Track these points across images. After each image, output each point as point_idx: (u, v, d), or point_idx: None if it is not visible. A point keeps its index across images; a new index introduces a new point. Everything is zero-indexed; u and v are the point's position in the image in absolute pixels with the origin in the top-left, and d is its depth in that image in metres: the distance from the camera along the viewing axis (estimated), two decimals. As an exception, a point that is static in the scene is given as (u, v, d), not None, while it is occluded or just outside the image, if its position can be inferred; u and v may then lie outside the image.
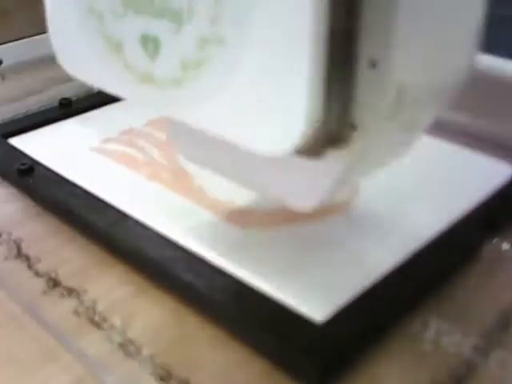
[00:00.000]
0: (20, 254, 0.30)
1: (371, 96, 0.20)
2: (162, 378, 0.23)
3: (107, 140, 0.38)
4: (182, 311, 0.26)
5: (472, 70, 0.23)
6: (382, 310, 0.24)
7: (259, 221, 0.30)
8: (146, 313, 0.26)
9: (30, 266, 0.29)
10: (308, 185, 0.24)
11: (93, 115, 0.42)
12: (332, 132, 0.20)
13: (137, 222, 0.30)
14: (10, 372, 0.24)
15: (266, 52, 0.19)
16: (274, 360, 0.23)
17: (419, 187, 0.33)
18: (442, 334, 0.24)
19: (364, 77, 0.20)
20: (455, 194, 0.32)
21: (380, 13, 0.19)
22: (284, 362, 0.23)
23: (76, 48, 0.25)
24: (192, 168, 0.35)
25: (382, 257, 0.27)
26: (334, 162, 0.22)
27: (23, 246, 0.30)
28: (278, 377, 0.23)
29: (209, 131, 0.22)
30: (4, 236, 0.31)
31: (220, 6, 0.19)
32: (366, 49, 0.20)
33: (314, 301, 0.25)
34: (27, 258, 0.29)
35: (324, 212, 0.31)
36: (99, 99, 0.43)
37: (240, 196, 0.32)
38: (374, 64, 0.20)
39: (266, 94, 0.19)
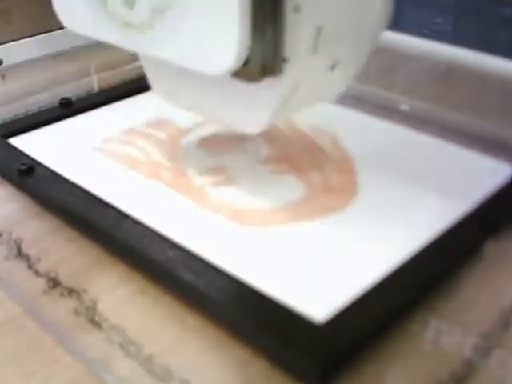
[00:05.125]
0: (20, 254, 0.30)
1: (297, 34, 0.26)
2: (161, 378, 0.23)
3: (107, 140, 0.38)
4: (181, 311, 0.26)
5: (389, 16, 0.29)
6: (382, 310, 0.24)
7: (259, 220, 0.30)
8: (146, 313, 0.26)
9: (30, 266, 0.29)
10: (250, 111, 0.30)
11: (93, 115, 0.42)
12: (267, 63, 0.27)
13: (137, 222, 0.30)
14: (10, 372, 0.24)
15: None
16: (274, 360, 0.23)
17: (419, 187, 0.33)
18: (442, 334, 0.24)
19: (290, 19, 0.26)
20: (455, 193, 0.32)
21: None
22: (284, 362, 0.23)
23: (74, 6, 0.32)
24: (192, 168, 0.35)
25: (382, 257, 0.27)
26: (271, 89, 0.28)
27: (23, 245, 0.30)
28: (278, 377, 0.23)
29: (171, 62, 0.29)
30: (4, 236, 0.31)
31: None
32: None
33: (314, 301, 0.25)
34: (27, 258, 0.29)
35: (324, 212, 0.31)
36: (99, 99, 0.43)
37: (240, 196, 0.32)
38: (297, 9, 0.25)
39: (209, 27, 0.26)
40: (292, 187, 0.33)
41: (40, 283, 0.28)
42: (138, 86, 0.44)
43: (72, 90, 0.45)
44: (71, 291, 0.27)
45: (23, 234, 0.31)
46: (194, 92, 0.33)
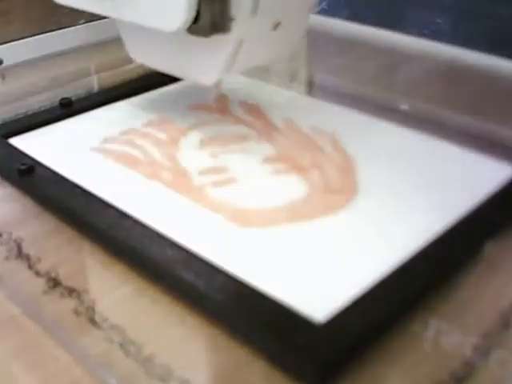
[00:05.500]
0: (20, 254, 0.30)
1: None
2: (161, 378, 0.23)
3: (107, 140, 0.38)
4: (181, 311, 0.26)
5: None
6: (382, 310, 0.24)
7: (259, 220, 0.30)
8: (146, 313, 0.26)
9: (30, 266, 0.29)
10: (204, 64, 0.36)
11: (93, 115, 0.42)
12: (217, 21, 0.32)
13: (137, 222, 0.30)
14: (10, 372, 0.24)
15: None
16: (274, 360, 0.23)
17: (419, 187, 0.33)
18: (441, 334, 0.24)
19: None
20: (455, 194, 0.32)
21: None
22: (284, 362, 0.23)
23: None
24: (192, 168, 0.35)
25: (381, 257, 0.27)
26: (221, 44, 0.34)
27: (23, 245, 0.30)
28: (278, 377, 0.23)
29: (134, 22, 0.35)
30: (4, 236, 0.31)
31: None
32: None
33: (314, 301, 0.25)
34: (27, 258, 0.29)
35: (324, 212, 0.31)
36: (99, 99, 0.43)
37: (240, 196, 0.32)
38: None
39: None
40: (292, 187, 0.33)
41: (40, 283, 0.28)
42: (137, 86, 0.45)
43: (72, 90, 0.45)
44: (71, 291, 0.27)
45: (23, 234, 0.31)
46: (160, 50, 0.38)
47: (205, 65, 0.36)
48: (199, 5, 0.32)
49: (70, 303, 0.26)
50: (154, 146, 0.37)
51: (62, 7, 0.39)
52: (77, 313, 0.26)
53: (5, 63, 0.50)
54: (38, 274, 0.28)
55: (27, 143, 0.38)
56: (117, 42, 0.42)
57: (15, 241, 0.30)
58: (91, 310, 0.26)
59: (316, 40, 0.52)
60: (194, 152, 0.37)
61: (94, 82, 0.47)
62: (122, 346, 0.24)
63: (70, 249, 0.30)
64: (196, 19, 0.32)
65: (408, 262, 0.27)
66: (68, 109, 0.42)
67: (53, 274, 0.28)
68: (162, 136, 0.38)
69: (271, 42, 0.37)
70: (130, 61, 0.42)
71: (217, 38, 0.33)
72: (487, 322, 0.25)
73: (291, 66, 0.49)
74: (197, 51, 0.36)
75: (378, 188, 0.33)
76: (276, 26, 0.36)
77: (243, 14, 0.33)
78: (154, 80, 0.45)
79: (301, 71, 0.50)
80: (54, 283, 0.28)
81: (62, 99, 0.42)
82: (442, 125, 0.37)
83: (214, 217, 0.31)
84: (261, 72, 0.46)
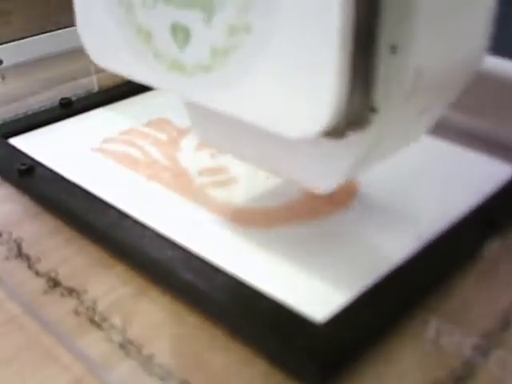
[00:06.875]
0: (20, 254, 0.30)
1: (391, 80, 0.21)
2: (161, 378, 0.23)
3: (107, 140, 0.38)
4: (181, 311, 0.26)
5: (483, 59, 0.24)
6: (382, 310, 0.24)
7: (259, 220, 0.30)
8: (145, 313, 0.26)
9: (30, 266, 0.29)
10: (326, 167, 0.25)
11: (93, 115, 0.42)
12: (353, 115, 0.21)
13: (137, 222, 0.30)
14: (10, 372, 0.24)
15: (292, 40, 0.20)
16: (274, 360, 0.23)
17: (419, 187, 0.33)
18: (442, 334, 0.24)
19: (384, 62, 0.21)
20: (455, 193, 0.32)
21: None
22: (284, 362, 0.23)
23: (105, 39, 0.26)
24: (192, 168, 0.35)
25: (381, 257, 0.27)
26: (354, 144, 0.23)
27: (23, 245, 0.30)
28: (278, 377, 0.23)
29: (236, 116, 0.23)
30: (4, 236, 0.31)
31: None
32: (387, 35, 0.20)
33: (314, 301, 0.25)
34: (27, 258, 0.29)
35: (324, 212, 0.31)
36: (99, 99, 0.43)
37: (240, 196, 0.32)
38: (394, 49, 0.20)
39: (293, 81, 0.20)
40: (292, 187, 0.33)
41: (40, 283, 0.28)
42: (138, 85, 0.44)
43: (72, 89, 0.45)
44: (71, 291, 0.27)
45: (23, 234, 0.31)
46: (253, 142, 0.27)
47: (322, 168, 0.25)
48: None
49: (70, 303, 0.26)
50: (153, 146, 0.37)
51: (61, 7, 0.39)
52: (77, 313, 0.26)
53: (5, 63, 0.50)
54: (37, 274, 0.28)
55: (27, 143, 0.38)
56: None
57: (15, 241, 0.30)
58: (91, 310, 0.26)
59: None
60: (193, 152, 0.37)
61: (94, 82, 0.47)
62: (121, 345, 0.24)
63: (70, 249, 0.30)
64: None
65: (408, 261, 0.27)
66: (68, 109, 0.42)
67: (53, 274, 0.28)
68: (162, 136, 0.38)
69: (410, 130, 0.26)
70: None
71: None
72: (487, 322, 0.25)
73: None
74: (311, 148, 0.25)
75: (377, 188, 0.33)
76: (424, 110, 0.24)
77: (392, 102, 0.21)
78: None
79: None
80: (54, 283, 0.28)
81: (62, 99, 0.42)
82: (442, 125, 0.37)
83: (213, 217, 0.31)
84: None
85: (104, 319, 0.26)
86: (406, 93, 0.21)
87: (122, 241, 0.29)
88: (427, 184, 0.33)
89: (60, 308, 0.26)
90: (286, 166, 0.26)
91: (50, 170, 0.34)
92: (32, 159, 0.35)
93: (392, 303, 0.25)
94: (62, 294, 0.27)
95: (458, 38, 0.23)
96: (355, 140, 0.22)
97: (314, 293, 0.26)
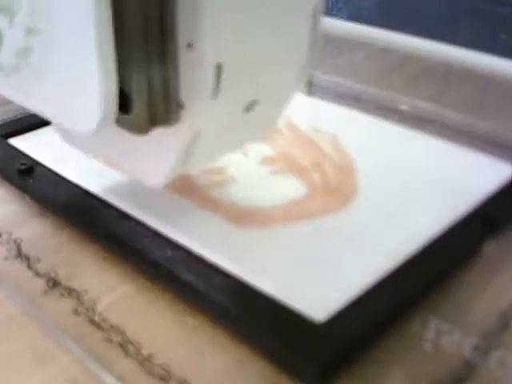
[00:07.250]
0: (20, 254, 0.30)
1: (194, 77, 0.22)
2: (161, 378, 0.23)
3: (107, 140, 0.38)
4: (181, 311, 0.26)
5: (306, 52, 0.26)
6: (382, 310, 0.24)
7: (259, 220, 0.30)
8: (145, 313, 0.26)
9: (30, 266, 0.29)
10: (151, 161, 0.27)
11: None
12: (157, 111, 0.23)
13: (137, 222, 0.30)
14: (9, 372, 0.24)
15: (71, 40, 0.22)
16: (274, 360, 0.23)
17: (419, 187, 0.33)
18: (442, 334, 0.24)
19: (184, 59, 0.22)
20: (455, 193, 0.32)
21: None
22: (284, 362, 0.23)
23: None
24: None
25: (381, 256, 0.27)
26: (173, 139, 0.25)
27: (23, 246, 0.30)
28: (278, 377, 0.23)
29: (41, 114, 0.25)
30: (4, 236, 0.31)
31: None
32: (183, 32, 0.22)
33: (314, 300, 0.25)
34: (27, 258, 0.29)
35: (324, 212, 0.31)
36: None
37: (240, 196, 0.32)
38: (190, 46, 0.22)
39: (74, 78, 0.22)
40: (292, 187, 0.33)
41: (40, 283, 0.28)
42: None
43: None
44: (71, 291, 0.27)
45: (23, 234, 0.31)
46: (100, 140, 0.29)
47: (149, 162, 0.27)
48: (128, 87, 0.22)
49: (69, 303, 0.26)
50: (153, 146, 0.37)
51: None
52: (77, 313, 0.26)
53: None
54: (37, 274, 0.28)
55: (27, 143, 0.38)
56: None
57: (15, 241, 0.30)
58: (91, 310, 0.26)
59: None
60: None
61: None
62: (121, 346, 0.24)
63: (70, 249, 0.30)
64: (126, 108, 0.22)
65: (408, 261, 0.27)
66: (68, 109, 0.42)
67: (52, 274, 0.28)
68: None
69: (244, 126, 0.27)
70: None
71: (165, 131, 0.24)
72: (487, 322, 0.25)
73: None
74: (139, 144, 0.26)
75: (377, 188, 0.33)
76: (251, 105, 0.26)
77: (198, 98, 0.23)
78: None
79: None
80: (54, 283, 0.28)
81: (62, 99, 0.42)
82: (442, 124, 0.37)
83: (213, 217, 0.31)
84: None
85: (104, 319, 0.26)
86: (212, 89, 0.23)
87: (122, 241, 0.29)
88: (427, 183, 0.33)
89: (60, 308, 0.26)
90: (122, 160, 0.29)
91: (50, 170, 0.34)
92: (32, 159, 0.35)
93: (392, 303, 0.25)
94: (62, 295, 0.27)
95: (268, 36, 0.24)
96: (173, 135, 0.24)
97: (314, 293, 0.26)
